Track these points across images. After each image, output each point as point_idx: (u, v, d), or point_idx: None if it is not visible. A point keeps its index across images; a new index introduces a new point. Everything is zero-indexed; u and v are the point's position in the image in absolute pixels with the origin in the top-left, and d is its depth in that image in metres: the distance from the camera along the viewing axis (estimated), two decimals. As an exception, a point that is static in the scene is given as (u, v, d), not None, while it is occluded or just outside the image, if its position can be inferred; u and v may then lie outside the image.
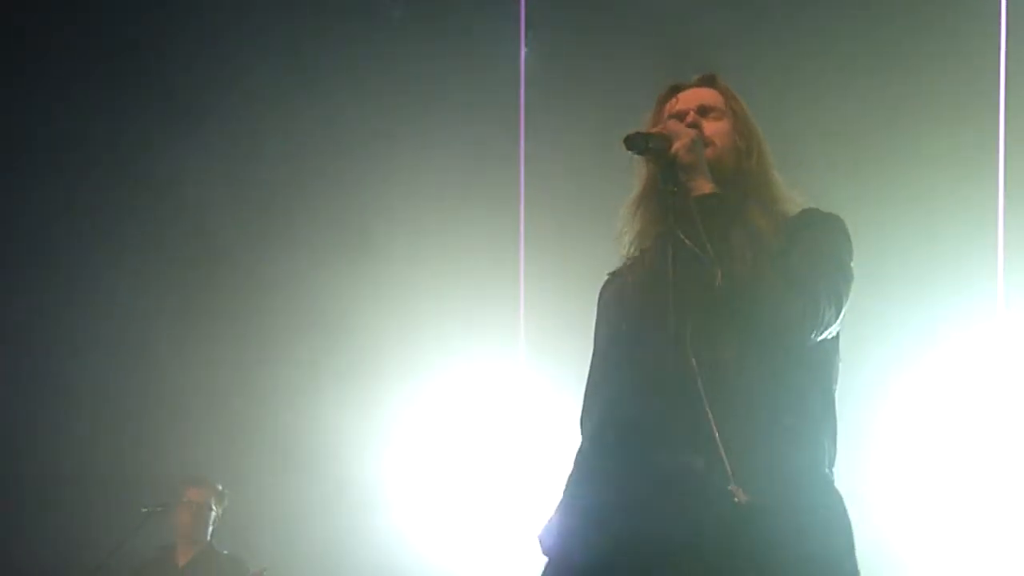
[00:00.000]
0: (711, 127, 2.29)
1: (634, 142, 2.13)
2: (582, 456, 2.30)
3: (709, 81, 2.39)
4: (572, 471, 2.30)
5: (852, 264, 2.24)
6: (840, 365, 2.27)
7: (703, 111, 2.32)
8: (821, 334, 2.15)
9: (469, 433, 5.81)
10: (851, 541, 2.16)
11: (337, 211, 5.77)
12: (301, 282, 5.79)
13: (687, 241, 2.07)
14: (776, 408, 2.12)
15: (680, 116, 2.30)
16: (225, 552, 5.37)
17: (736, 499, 2.02)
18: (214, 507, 5.32)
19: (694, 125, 2.26)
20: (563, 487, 2.30)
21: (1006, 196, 4.54)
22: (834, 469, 2.20)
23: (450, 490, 5.99)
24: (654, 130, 2.20)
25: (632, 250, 2.36)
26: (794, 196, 2.34)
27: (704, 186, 2.14)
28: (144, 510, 5.29)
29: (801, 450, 2.13)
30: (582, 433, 2.34)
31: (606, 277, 2.44)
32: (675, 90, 2.39)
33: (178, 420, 5.98)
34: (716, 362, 2.10)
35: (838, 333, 2.23)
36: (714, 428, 2.05)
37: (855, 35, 5.03)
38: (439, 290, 5.56)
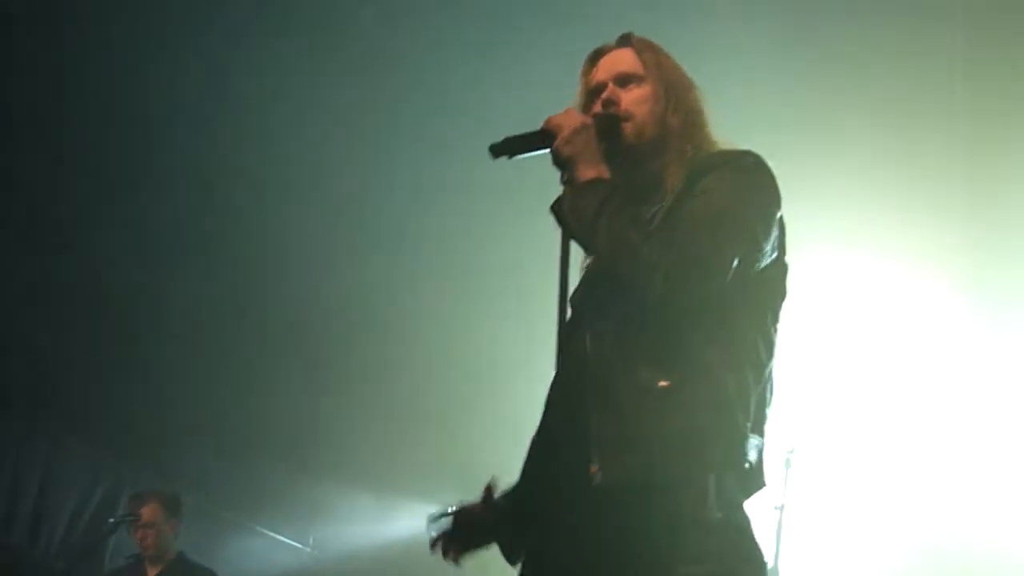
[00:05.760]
0: (630, 96, 2.18)
1: (496, 149, 2.10)
2: None
3: (624, 41, 2.27)
4: None
5: (757, 198, 2.03)
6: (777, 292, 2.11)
7: (622, 80, 2.21)
8: (700, 289, 1.93)
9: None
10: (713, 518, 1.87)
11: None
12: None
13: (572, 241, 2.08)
14: (653, 371, 1.92)
15: (597, 90, 2.21)
16: (196, 562, 5.20)
17: (594, 481, 1.87)
18: (164, 522, 5.10)
19: (610, 101, 2.17)
20: None
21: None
22: (752, 420, 1.96)
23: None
24: (544, 125, 2.10)
25: None
26: (717, 141, 2.19)
27: (587, 173, 2.04)
28: (112, 520, 5.29)
29: (681, 412, 1.89)
30: None
31: None
32: (596, 57, 2.28)
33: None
34: (614, 346, 2.00)
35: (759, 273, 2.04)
36: (593, 403, 1.95)
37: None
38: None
